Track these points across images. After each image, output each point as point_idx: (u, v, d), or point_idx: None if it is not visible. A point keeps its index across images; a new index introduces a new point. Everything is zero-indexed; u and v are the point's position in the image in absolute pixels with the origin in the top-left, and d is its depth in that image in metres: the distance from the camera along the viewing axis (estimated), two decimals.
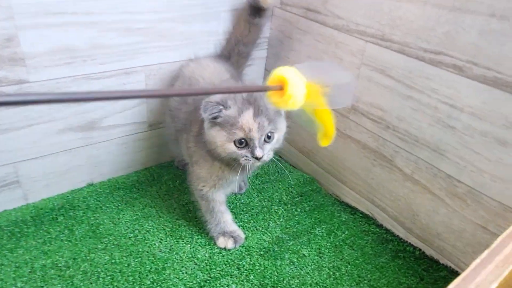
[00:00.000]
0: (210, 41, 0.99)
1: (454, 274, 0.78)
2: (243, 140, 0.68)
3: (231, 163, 0.73)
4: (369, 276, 0.80)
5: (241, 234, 0.85)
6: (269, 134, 0.70)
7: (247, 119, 0.67)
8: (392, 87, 0.78)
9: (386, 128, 0.82)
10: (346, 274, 0.80)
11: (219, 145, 0.69)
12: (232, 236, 0.83)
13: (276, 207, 0.97)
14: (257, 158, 0.68)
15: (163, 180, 1.03)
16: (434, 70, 0.70)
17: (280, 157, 1.19)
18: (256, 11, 0.92)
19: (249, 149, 0.68)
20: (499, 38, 0.61)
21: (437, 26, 0.68)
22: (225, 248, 0.83)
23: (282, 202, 0.99)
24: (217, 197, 0.82)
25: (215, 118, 0.68)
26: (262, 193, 1.02)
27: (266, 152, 0.69)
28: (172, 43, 0.93)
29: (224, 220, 0.84)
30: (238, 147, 0.68)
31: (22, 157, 0.85)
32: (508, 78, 0.61)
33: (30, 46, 0.74)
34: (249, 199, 0.99)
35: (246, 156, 0.69)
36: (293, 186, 1.04)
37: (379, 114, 0.83)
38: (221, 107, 0.67)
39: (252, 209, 0.96)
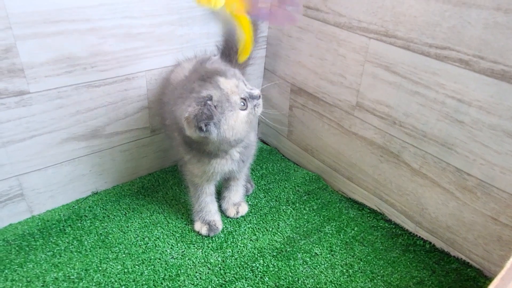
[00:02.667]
0: (210, 42, 0.97)
1: (466, 265, 0.79)
2: (242, 100, 0.67)
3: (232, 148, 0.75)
4: (382, 271, 0.81)
5: (219, 225, 0.88)
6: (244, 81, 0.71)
7: (227, 83, 0.66)
8: (397, 83, 0.79)
9: (392, 124, 0.83)
10: (359, 271, 0.81)
11: (236, 127, 0.67)
12: (209, 224, 0.87)
13: (284, 207, 0.97)
14: (258, 96, 0.69)
15: (168, 185, 1.03)
16: (440, 65, 0.70)
17: (283, 155, 1.19)
18: None
19: (248, 98, 0.68)
20: (505, 31, 0.61)
21: (442, 21, 0.68)
22: (199, 233, 0.87)
23: (290, 201, 0.99)
24: (206, 189, 0.85)
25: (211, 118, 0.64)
26: (269, 193, 1.02)
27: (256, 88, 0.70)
28: (172, 46, 0.91)
29: (207, 210, 0.87)
30: (244, 109, 0.68)
31: (25, 169, 0.83)
32: None
33: (29, 56, 0.73)
34: (257, 200, 0.99)
35: (255, 104, 0.69)
36: (299, 185, 1.04)
37: (385, 111, 0.83)
38: (209, 102, 0.64)
39: (261, 210, 0.96)
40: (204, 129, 0.64)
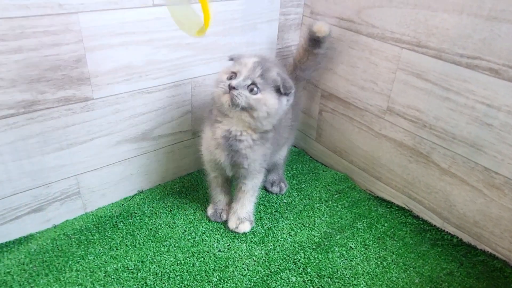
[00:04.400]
0: (248, 51, 1.05)
1: (492, 257, 0.85)
2: (234, 74, 0.77)
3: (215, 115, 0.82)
4: (413, 263, 0.87)
5: (224, 216, 0.96)
6: (255, 88, 0.75)
7: (249, 59, 0.78)
8: (428, 90, 0.85)
9: (422, 127, 0.89)
10: (393, 263, 0.87)
11: (218, 74, 0.81)
12: (216, 211, 0.97)
13: (317, 205, 1.04)
14: (229, 86, 0.74)
15: (206, 185, 1.09)
16: (470, 73, 0.77)
17: (311, 157, 1.25)
18: (315, 42, 0.94)
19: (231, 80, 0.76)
20: None
21: (474, 33, 0.75)
22: (207, 214, 0.97)
23: (322, 199, 1.06)
24: (214, 178, 0.95)
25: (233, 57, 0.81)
26: (302, 192, 1.08)
27: (241, 92, 0.74)
28: (215, 55, 0.98)
29: (217, 198, 0.97)
30: (227, 78, 0.78)
31: (83, 169, 0.90)
32: None
33: (95, 65, 0.80)
34: (291, 199, 1.06)
35: (223, 82, 0.76)
36: (329, 184, 1.11)
37: (415, 115, 0.90)
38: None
39: (296, 207, 1.03)
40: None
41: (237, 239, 0.92)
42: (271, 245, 0.90)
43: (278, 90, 0.77)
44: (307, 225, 0.97)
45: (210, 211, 0.97)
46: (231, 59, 0.81)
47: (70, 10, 0.72)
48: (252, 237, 0.92)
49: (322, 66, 1.06)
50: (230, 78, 0.77)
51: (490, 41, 0.73)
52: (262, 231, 0.94)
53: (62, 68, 0.75)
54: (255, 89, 0.75)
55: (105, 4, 0.75)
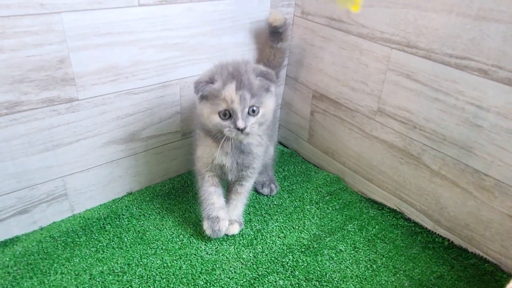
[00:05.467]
0: (238, 51, 1.04)
1: (483, 261, 0.84)
2: (226, 112, 0.73)
3: (220, 138, 0.78)
4: (403, 266, 0.86)
5: (222, 225, 0.86)
6: (254, 109, 0.74)
7: (230, 91, 0.72)
8: (418, 90, 0.84)
9: (413, 128, 0.88)
10: (382, 266, 0.86)
11: (205, 117, 0.76)
12: (212, 221, 0.86)
13: (308, 206, 1.02)
14: (239, 129, 0.73)
15: (196, 186, 1.08)
16: (460, 73, 0.76)
17: (303, 158, 1.24)
18: (275, 35, 0.97)
19: (233, 120, 0.73)
20: None
21: (463, 33, 0.73)
22: (205, 233, 0.87)
23: (313, 201, 1.04)
24: (209, 178, 0.87)
25: (204, 94, 0.75)
26: (293, 193, 1.07)
27: (249, 125, 0.74)
28: (204, 56, 0.97)
29: (210, 201, 0.87)
30: (222, 118, 0.74)
31: (70, 171, 0.89)
32: None
33: (80, 66, 0.79)
34: (281, 200, 1.05)
35: (229, 127, 0.73)
36: (321, 186, 1.10)
37: (406, 116, 0.89)
38: (210, 84, 0.74)
39: (286, 209, 1.02)
40: (196, 94, 0.76)
41: (226, 241, 0.91)
42: (259, 248, 0.89)
43: (267, 89, 0.77)
44: (297, 227, 0.95)
45: (208, 228, 0.86)
46: (201, 94, 0.76)
47: (53, 10, 0.71)
48: (240, 240, 0.91)
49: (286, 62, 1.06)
50: (224, 115, 0.74)
51: (479, 41, 0.72)
52: (251, 233, 0.93)
53: (46, 69, 0.74)
54: (255, 108, 0.75)
55: (88, 3, 0.75)
